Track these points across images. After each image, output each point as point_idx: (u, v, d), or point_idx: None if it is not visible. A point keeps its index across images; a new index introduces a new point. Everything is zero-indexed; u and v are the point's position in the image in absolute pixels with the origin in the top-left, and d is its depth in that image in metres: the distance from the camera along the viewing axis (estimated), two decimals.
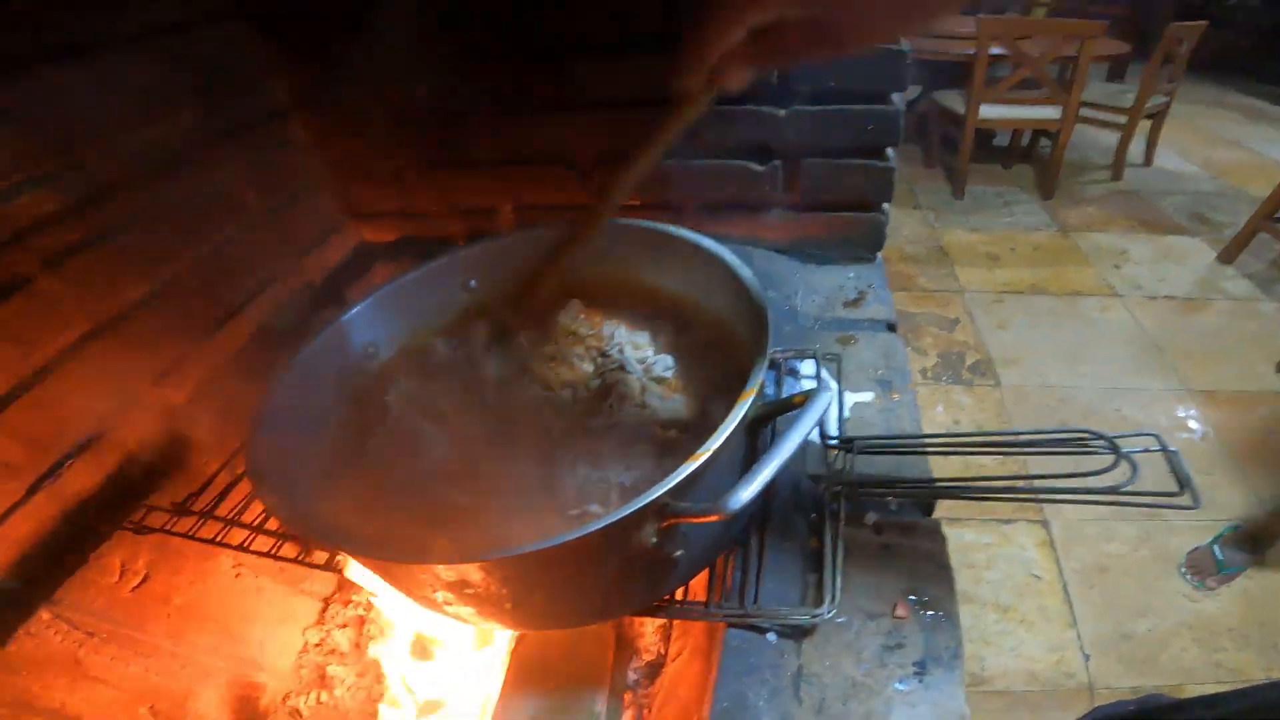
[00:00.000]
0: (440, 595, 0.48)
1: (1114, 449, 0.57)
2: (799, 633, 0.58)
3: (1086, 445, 0.59)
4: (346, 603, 0.95)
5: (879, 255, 0.98)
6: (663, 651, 0.81)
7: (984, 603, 1.71)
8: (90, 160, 0.73)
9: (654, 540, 0.42)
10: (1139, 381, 2.26)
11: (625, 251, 0.70)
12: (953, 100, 3.31)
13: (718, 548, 0.57)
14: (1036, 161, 3.68)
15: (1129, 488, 0.55)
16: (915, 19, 0.31)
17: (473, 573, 0.42)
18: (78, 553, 0.70)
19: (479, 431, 0.61)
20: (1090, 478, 0.57)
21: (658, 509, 0.40)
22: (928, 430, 2.22)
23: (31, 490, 0.67)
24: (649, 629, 0.83)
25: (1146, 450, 0.58)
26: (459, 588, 0.45)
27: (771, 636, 0.58)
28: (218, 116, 0.89)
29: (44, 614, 0.66)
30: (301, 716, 0.87)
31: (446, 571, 0.43)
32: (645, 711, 0.77)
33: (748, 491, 0.37)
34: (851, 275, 0.96)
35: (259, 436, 0.51)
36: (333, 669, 0.89)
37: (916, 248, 3.03)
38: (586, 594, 0.50)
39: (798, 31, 0.33)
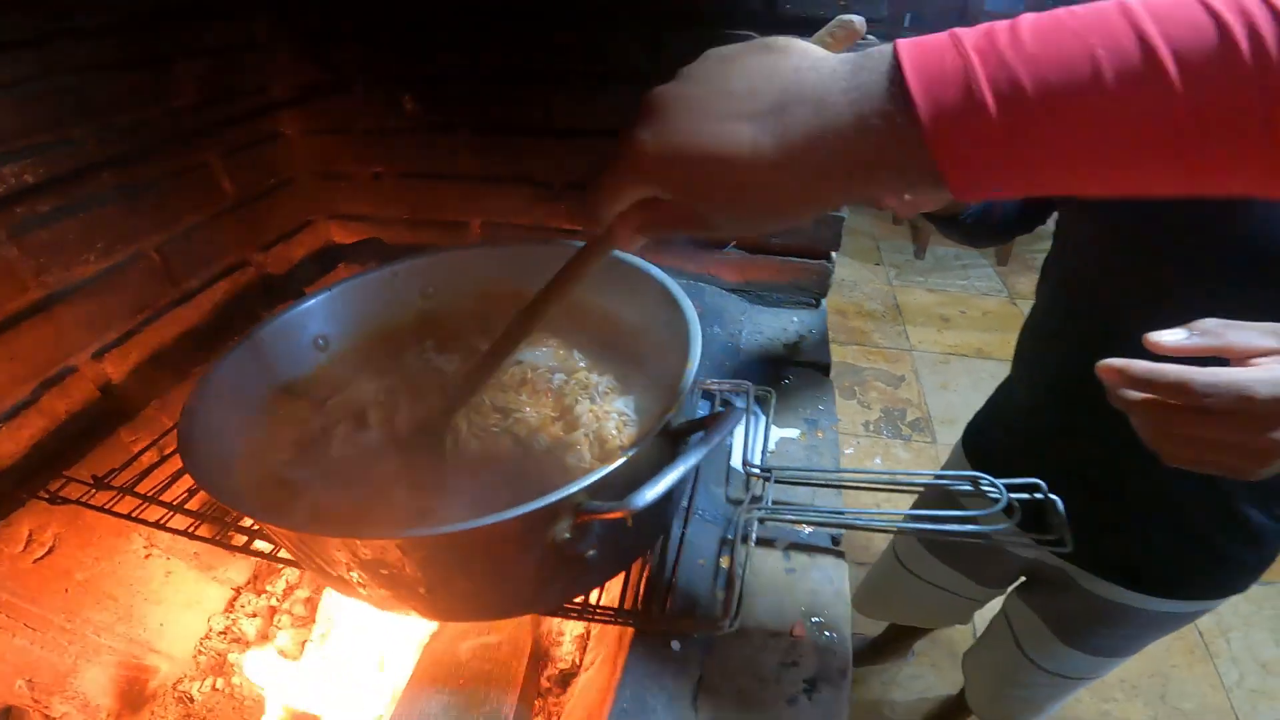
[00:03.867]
0: (355, 575, 0.49)
1: (1001, 492, 0.63)
2: (702, 644, 0.61)
3: (979, 487, 0.65)
4: (260, 592, 0.94)
5: (824, 302, 1.05)
6: (578, 661, 0.83)
7: None
8: (81, 137, 0.75)
9: (567, 535, 0.45)
10: None
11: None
12: None
13: (632, 555, 0.60)
14: None
15: (1010, 527, 0.61)
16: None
17: (390, 551, 0.44)
18: None
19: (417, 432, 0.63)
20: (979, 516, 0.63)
21: (572, 505, 0.43)
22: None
23: None
24: (566, 638, 0.84)
25: (1032, 496, 0.64)
26: (374, 567, 0.47)
27: (675, 645, 0.61)
28: (213, 105, 0.91)
29: None
30: (192, 702, 0.85)
31: (364, 549, 0.44)
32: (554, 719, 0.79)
33: (652, 492, 0.41)
34: (795, 320, 1.02)
35: (197, 404, 0.52)
36: (234, 657, 0.88)
37: (874, 304, 3.15)
38: (501, 585, 0.52)
39: (672, 212, 0.35)
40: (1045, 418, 0.82)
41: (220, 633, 0.90)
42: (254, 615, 0.91)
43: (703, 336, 0.85)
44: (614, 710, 0.58)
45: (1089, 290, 0.71)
